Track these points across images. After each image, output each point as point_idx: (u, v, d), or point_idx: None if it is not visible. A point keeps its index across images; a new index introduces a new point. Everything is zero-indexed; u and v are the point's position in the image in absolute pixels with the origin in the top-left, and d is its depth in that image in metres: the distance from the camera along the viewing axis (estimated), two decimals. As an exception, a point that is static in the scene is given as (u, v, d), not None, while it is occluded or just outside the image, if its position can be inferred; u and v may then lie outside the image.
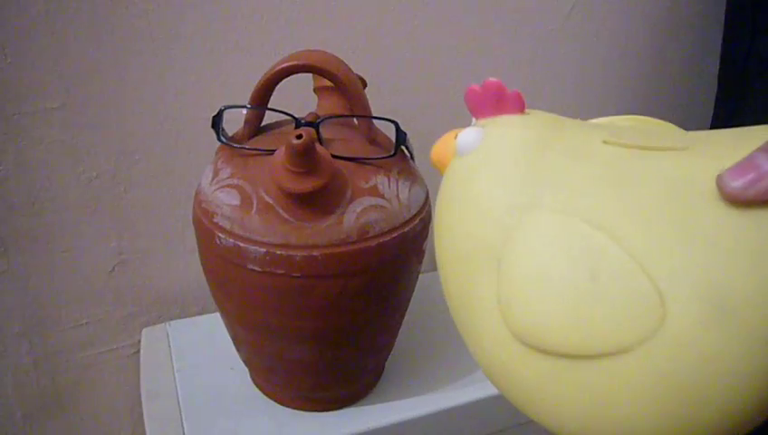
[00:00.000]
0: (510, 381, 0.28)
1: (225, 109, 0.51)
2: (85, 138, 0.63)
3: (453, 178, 0.31)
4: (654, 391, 0.24)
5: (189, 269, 0.71)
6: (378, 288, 0.50)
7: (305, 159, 0.44)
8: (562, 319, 0.25)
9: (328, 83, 0.53)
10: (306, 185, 0.45)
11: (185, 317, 0.71)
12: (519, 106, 0.31)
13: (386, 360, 0.61)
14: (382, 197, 0.49)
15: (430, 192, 0.55)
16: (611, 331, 0.24)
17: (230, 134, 0.53)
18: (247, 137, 0.52)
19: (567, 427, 0.26)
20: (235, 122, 0.53)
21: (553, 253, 0.25)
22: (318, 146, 0.45)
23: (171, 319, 0.71)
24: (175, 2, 0.61)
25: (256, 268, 0.47)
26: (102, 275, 0.69)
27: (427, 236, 0.53)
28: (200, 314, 0.72)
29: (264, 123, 0.54)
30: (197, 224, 0.51)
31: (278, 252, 0.46)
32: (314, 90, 0.57)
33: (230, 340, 0.57)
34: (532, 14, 0.76)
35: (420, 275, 0.56)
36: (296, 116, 0.50)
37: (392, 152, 0.50)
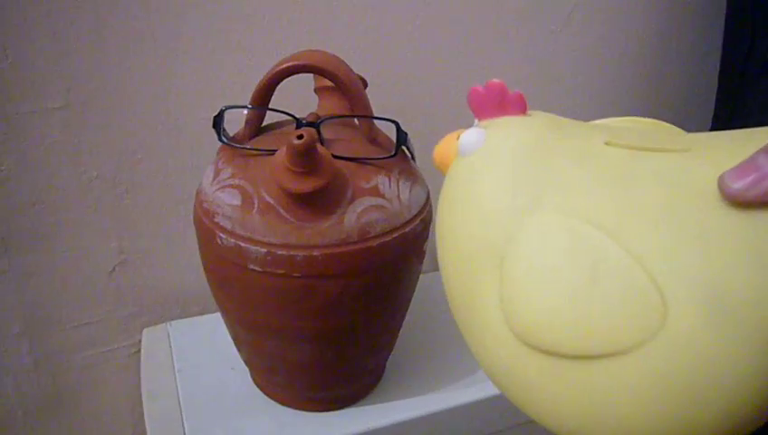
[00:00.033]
0: (511, 380, 0.28)
1: (227, 109, 0.51)
2: (86, 138, 0.63)
3: (455, 179, 0.31)
4: (654, 392, 0.24)
5: (190, 269, 0.71)
6: (378, 288, 0.50)
7: (306, 159, 0.44)
8: (564, 319, 0.25)
9: (329, 83, 0.53)
10: (307, 185, 0.45)
11: (185, 317, 0.71)
12: (521, 107, 0.31)
13: (386, 360, 0.61)
14: (383, 197, 0.49)
15: (431, 192, 0.55)
16: (612, 331, 0.24)
17: (231, 134, 0.53)
18: (248, 137, 0.52)
19: (567, 426, 0.26)
20: (236, 122, 0.53)
21: (555, 253, 0.26)
22: (319, 146, 0.45)
23: (172, 319, 0.71)
24: (176, 2, 0.61)
25: (257, 268, 0.47)
26: (103, 275, 0.69)
27: (427, 237, 0.53)
28: (201, 314, 0.72)
29: (264, 123, 0.54)
30: (198, 224, 0.51)
31: (279, 252, 0.46)
32: (315, 90, 0.57)
33: (231, 340, 0.57)
34: (532, 15, 0.76)
35: (421, 276, 0.56)
36: (297, 116, 0.50)
37: (393, 152, 0.51)
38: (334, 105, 0.54)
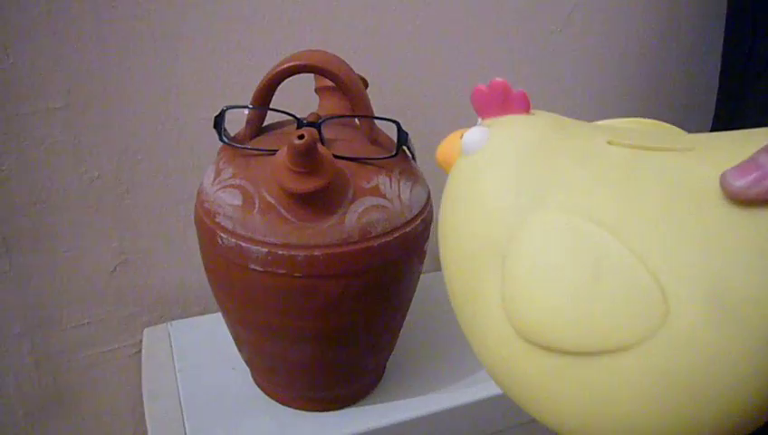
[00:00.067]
0: (512, 378, 0.28)
1: (227, 109, 0.51)
2: (87, 138, 0.63)
3: (458, 178, 0.31)
4: (656, 389, 0.24)
5: (191, 269, 0.71)
6: (379, 288, 0.50)
7: (307, 159, 0.44)
8: (566, 316, 0.25)
9: (329, 84, 0.53)
10: (308, 185, 0.45)
11: (186, 317, 0.71)
12: (524, 106, 0.31)
13: (387, 360, 0.61)
14: (384, 197, 0.49)
15: (432, 192, 0.55)
16: (614, 328, 0.24)
17: (232, 134, 0.53)
18: (249, 137, 0.52)
19: (569, 424, 0.26)
20: (236, 122, 0.53)
21: (557, 251, 0.26)
22: (320, 146, 0.45)
23: (173, 319, 0.71)
24: (177, 2, 0.61)
25: (258, 268, 0.47)
26: (104, 275, 0.69)
27: (428, 237, 0.53)
28: (202, 314, 0.72)
29: (265, 123, 0.54)
30: (199, 224, 0.51)
31: (280, 252, 0.46)
32: (316, 90, 0.57)
33: (231, 340, 0.57)
34: (533, 15, 0.76)
35: (421, 276, 0.56)
36: (298, 116, 0.50)
37: (394, 152, 0.51)
38: (335, 105, 0.54)
